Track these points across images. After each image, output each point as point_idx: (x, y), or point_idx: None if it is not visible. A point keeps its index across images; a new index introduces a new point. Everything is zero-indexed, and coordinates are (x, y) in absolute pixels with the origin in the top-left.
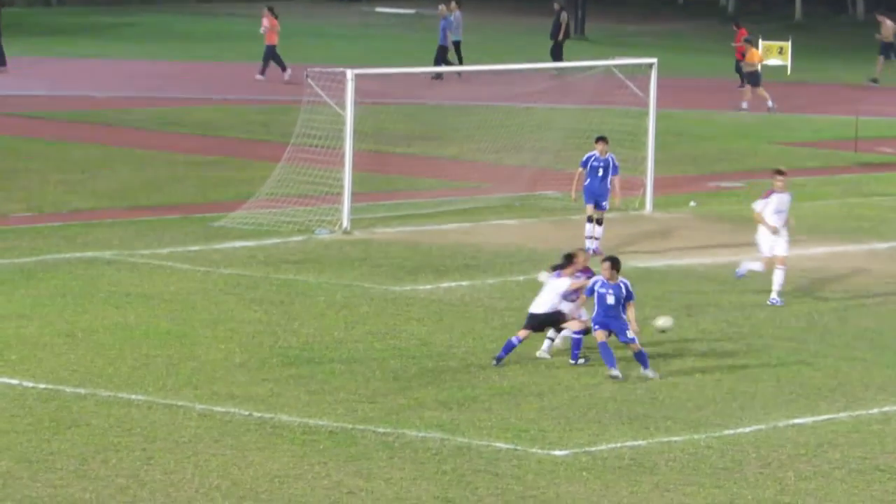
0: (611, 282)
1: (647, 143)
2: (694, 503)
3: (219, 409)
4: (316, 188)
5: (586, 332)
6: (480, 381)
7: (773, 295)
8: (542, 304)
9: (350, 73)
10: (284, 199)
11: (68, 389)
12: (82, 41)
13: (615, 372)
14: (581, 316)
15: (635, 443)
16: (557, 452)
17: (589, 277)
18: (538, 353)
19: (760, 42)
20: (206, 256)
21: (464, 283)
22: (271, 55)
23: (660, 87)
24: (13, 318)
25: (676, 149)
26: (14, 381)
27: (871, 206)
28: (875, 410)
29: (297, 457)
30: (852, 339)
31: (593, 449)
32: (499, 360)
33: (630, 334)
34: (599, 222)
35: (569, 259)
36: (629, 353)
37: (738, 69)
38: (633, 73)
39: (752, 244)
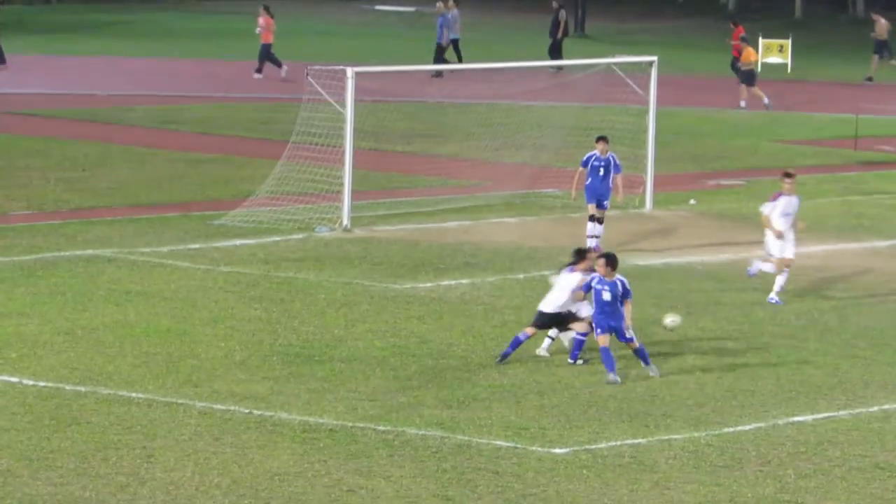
0: (607, 278)
1: (647, 141)
2: (694, 501)
3: (219, 406)
4: (316, 186)
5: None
6: (480, 379)
7: (773, 294)
8: (552, 302)
9: (350, 71)
10: (285, 196)
11: (68, 387)
12: (82, 39)
13: (614, 377)
14: (581, 312)
15: (635, 441)
16: (557, 450)
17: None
18: (538, 351)
19: (760, 40)
20: (206, 254)
21: (464, 281)
22: (266, 54)
23: (660, 84)
24: (13, 316)
25: (676, 147)
26: (14, 379)
27: (871, 203)
28: (875, 408)
29: (298, 455)
30: (852, 337)
31: (593, 447)
32: (505, 356)
33: (629, 334)
34: (600, 221)
35: (580, 254)
36: (629, 351)
37: (734, 67)
38: (634, 71)
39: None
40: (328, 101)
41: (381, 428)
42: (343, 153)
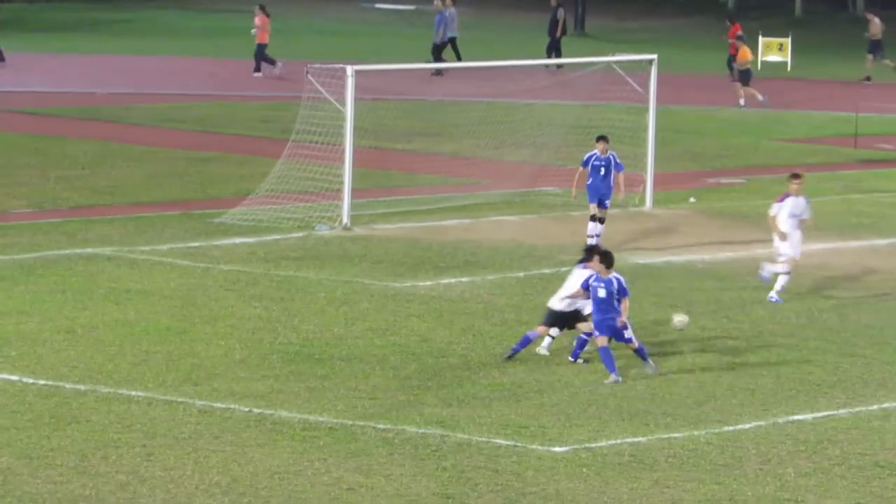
0: (603, 276)
1: (647, 140)
2: (694, 499)
3: (219, 405)
4: (316, 184)
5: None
6: (480, 378)
7: (773, 293)
8: (562, 300)
9: (350, 70)
10: (284, 195)
11: (68, 386)
12: (82, 37)
13: (615, 377)
14: (587, 310)
15: (635, 439)
16: (557, 449)
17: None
18: (538, 350)
19: (760, 38)
20: (205, 253)
21: (464, 280)
22: (261, 54)
23: (660, 83)
24: (13, 314)
25: (676, 145)
26: (14, 378)
27: (871, 202)
28: (875, 407)
29: (297, 453)
30: (852, 335)
31: (593, 445)
32: (514, 352)
33: (628, 334)
34: (602, 221)
35: (591, 251)
36: (628, 350)
37: (730, 64)
38: (633, 70)
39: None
40: (328, 99)
41: (381, 426)
42: (343, 151)
